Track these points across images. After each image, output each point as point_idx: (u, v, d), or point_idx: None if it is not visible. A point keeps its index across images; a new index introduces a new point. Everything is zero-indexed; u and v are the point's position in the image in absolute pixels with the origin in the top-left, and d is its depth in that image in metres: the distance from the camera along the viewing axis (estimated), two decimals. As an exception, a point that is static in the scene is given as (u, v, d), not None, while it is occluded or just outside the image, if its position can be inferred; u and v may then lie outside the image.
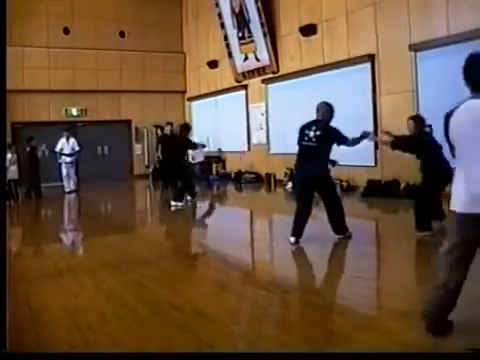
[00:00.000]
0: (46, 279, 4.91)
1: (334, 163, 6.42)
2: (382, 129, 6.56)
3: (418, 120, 6.35)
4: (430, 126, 6.44)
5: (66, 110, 16.23)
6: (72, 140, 13.30)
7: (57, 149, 13.25)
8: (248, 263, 5.70)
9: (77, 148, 13.36)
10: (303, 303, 3.99)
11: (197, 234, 7.89)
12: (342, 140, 6.00)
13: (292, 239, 5.93)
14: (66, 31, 16.00)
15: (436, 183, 6.15)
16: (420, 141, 6.23)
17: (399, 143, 6.29)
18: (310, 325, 3.52)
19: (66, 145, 13.20)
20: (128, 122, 16.93)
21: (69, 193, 13.01)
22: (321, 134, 5.85)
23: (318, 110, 6.04)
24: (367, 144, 10.24)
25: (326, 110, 6.01)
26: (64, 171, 13.22)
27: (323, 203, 6.13)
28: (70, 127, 13.91)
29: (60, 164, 13.29)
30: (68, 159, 13.14)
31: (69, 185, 13.20)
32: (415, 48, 9.26)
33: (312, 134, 5.87)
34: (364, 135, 6.22)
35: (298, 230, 5.94)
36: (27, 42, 15.05)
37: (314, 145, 5.87)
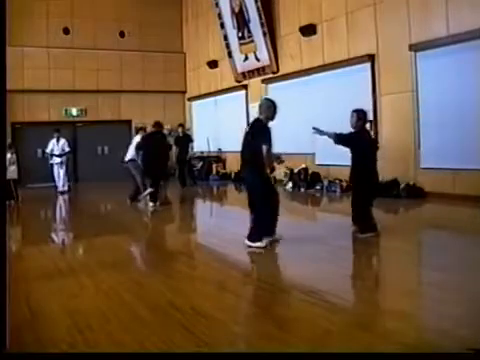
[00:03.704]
0: (46, 279, 4.91)
1: (278, 158, 6.17)
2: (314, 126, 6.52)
3: (361, 114, 6.26)
4: (371, 122, 6.38)
5: (66, 110, 16.23)
6: (62, 141, 13.35)
7: (48, 150, 13.31)
8: (247, 263, 5.69)
9: (67, 149, 13.42)
10: (303, 303, 3.98)
11: (196, 234, 7.90)
12: (263, 141, 5.66)
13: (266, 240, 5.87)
14: (66, 31, 16.00)
15: (367, 181, 6.25)
16: (357, 135, 6.24)
17: (340, 138, 6.24)
18: (310, 325, 3.51)
19: (56, 146, 13.24)
20: (128, 122, 16.93)
21: (62, 193, 13.01)
22: (251, 133, 5.81)
23: (259, 107, 5.88)
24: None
25: (267, 106, 5.84)
26: (55, 171, 13.28)
27: None
28: (60, 128, 13.86)
29: (52, 165, 13.33)
30: (58, 160, 13.20)
31: (60, 185, 13.23)
32: (415, 48, 9.26)
33: (246, 133, 5.88)
34: (278, 159, 6.04)
35: (267, 229, 5.90)
36: (27, 42, 15.05)
37: (245, 143, 5.86)
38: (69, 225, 9.11)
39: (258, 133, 5.74)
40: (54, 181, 13.37)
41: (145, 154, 10.09)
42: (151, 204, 9.79)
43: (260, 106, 5.87)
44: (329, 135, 6.25)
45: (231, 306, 4.06)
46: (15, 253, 6.26)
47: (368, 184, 6.26)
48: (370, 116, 10.19)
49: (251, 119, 14.32)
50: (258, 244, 5.75)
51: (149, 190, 9.86)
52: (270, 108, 5.83)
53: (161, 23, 17.01)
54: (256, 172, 5.79)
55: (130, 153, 10.55)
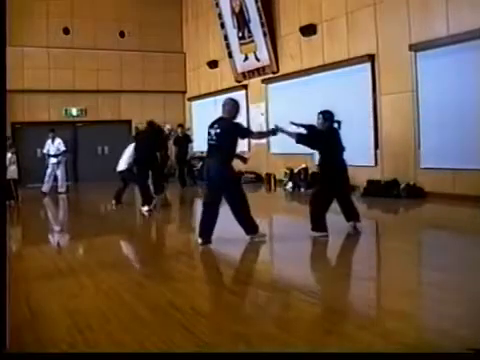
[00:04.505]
0: (46, 279, 4.91)
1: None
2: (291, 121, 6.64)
3: (327, 115, 6.30)
4: (339, 122, 6.36)
5: (66, 110, 16.22)
6: (57, 141, 13.10)
7: (45, 150, 13.11)
8: (247, 263, 5.69)
9: (63, 148, 13.17)
10: (303, 303, 3.98)
11: (196, 234, 7.88)
12: (245, 133, 6.07)
13: (199, 240, 5.99)
14: (66, 31, 16.00)
15: (331, 182, 6.19)
16: (322, 136, 6.26)
17: (303, 138, 6.27)
18: (310, 325, 3.52)
19: (51, 146, 13.03)
20: (128, 122, 16.93)
21: (60, 193, 12.80)
22: (220, 132, 5.87)
23: (223, 106, 6.05)
24: (367, 145, 10.33)
25: (232, 106, 6.03)
26: (49, 172, 12.97)
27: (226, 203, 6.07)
28: (60, 128, 13.61)
29: (47, 165, 13.08)
30: (53, 160, 12.98)
31: (55, 185, 12.95)
32: (415, 48, 9.26)
33: (213, 132, 5.92)
34: (273, 131, 6.30)
35: (204, 231, 5.99)
36: (27, 42, 15.04)
37: (215, 143, 5.91)
38: (69, 225, 9.11)
39: (229, 134, 5.89)
40: (42, 182, 13.00)
41: (136, 152, 9.81)
42: (145, 208, 9.15)
43: (224, 106, 6.06)
44: (290, 134, 6.23)
45: (231, 306, 4.06)
46: (15, 253, 6.26)
47: (334, 183, 6.21)
48: (371, 115, 10.28)
49: (251, 119, 14.50)
50: (259, 234, 6.03)
51: (151, 205, 9.29)
52: (234, 107, 6.05)
53: (161, 23, 17.00)
54: (230, 170, 5.99)
55: (123, 163, 10.13)
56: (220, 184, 5.92)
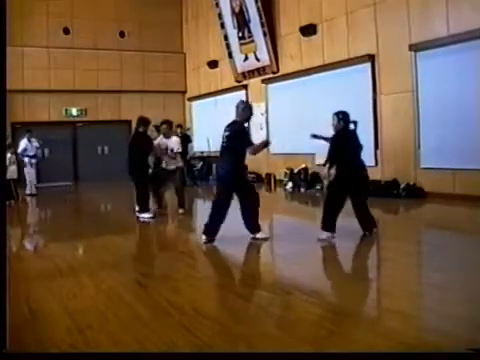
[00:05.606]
0: (46, 279, 4.91)
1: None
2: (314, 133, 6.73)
3: (341, 116, 6.15)
4: (355, 122, 6.25)
5: (66, 110, 16.24)
6: (35, 141, 12.74)
7: (19, 150, 12.55)
8: (248, 263, 5.69)
9: (39, 150, 12.84)
10: (303, 303, 3.98)
11: (197, 234, 7.88)
12: (246, 144, 6.04)
13: (203, 237, 6.08)
14: (66, 31, 16.02)
15: (346, 183, 6.03)
16: (338, 140, 6.11)
17: (330, 159, 6.09)
18: (311, 325, 3.51)
19: (29, 146, 12.66)
20: (128, 122, 16.91)
21: (31, 196, 12.48)
22: (229, 134, 5.98)
23: (236, 108, 6.11)
24: (367, 145, 10.30)
25: (242, 109, 6.10)
26: (29, 174, 12.65)
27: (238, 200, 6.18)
28: (32, 128, 13.13)
29: (25, 166, 12.66)
30: (33, 160, 12.70)
31: (32, 187, 12.68)
32: (415, 48, 9.27)
33: (224, 135, 6.04)
34: (266, 143, 6.42)
35: (210, 229, 6.07)
36: (27, 42, 15.06)
37: (225, 145, 6.03)
38: (69, 225, 9.09)
39: (238, 137, 5.96)
40: (38, 182, 12.81)
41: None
42: (141, 215, 8.49)
43: (237, 108, 6.09)
44: (326, 139, 6.31)
45: (232, 306, 4.05)
46: (15, 253, 6.25)
47: (350, 183, 6.06)
48: (371, 115, 10.27)
49: (251, 119, 14.44)
50: (263, 232, 6.17)
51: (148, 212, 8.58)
52: (246, 110, 6.11)
53: (161, 23, 17.02)
54: (240, 171, 6.12)
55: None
56: (230, 184, 6.03)
